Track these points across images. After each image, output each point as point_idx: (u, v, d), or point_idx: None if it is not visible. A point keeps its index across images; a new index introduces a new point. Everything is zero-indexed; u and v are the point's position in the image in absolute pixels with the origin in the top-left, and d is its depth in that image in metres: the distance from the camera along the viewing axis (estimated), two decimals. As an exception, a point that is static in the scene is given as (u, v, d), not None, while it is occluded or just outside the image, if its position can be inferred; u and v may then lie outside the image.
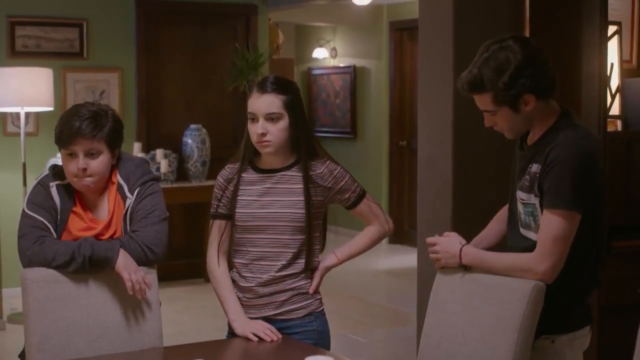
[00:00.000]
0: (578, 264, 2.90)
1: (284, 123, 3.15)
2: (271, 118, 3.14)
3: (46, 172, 3.26)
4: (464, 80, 2.91)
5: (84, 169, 3.12)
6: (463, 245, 3.00)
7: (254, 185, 3.21)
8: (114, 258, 3.07)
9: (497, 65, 2.84)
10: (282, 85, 3.18)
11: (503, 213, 3.21)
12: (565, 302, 2.92)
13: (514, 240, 3.07)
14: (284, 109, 3.15)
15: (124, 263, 3.07)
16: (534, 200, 2.91)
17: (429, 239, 3.09)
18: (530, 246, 2.94)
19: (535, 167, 2.90)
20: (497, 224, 3.23)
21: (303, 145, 3.19)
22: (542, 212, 2.88)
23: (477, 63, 2.88)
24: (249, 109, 3.17)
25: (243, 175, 3.23)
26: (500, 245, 3.15)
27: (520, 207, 2.99)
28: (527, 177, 2.93)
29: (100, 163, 3.14)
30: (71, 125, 3.10)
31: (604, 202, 2.97)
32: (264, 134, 3.13)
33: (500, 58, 2.84)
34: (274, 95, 3.15)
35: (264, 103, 3.14)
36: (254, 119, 3.16)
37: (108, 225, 3.22)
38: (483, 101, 2.91)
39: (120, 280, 3.07)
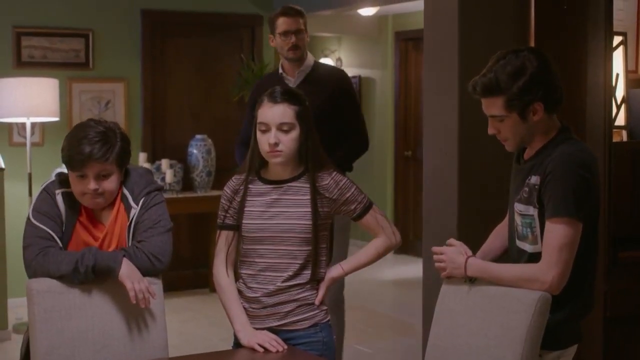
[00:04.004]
0: (575, 282, 2.90)
1: (295, 133, 3.16)
2: (284, 128, 3.14)
3: (52, 178, 3.26)
4: (478, 83, 2.93)
5: (95, 189, 3.13)
6: (468, 257, 3.00)
7: (261, 197, 3.22)
8: (117, 268, 3.07)
9: (514, 71, 2.88)
10: (293, 96, 3.19)
11: (501, 228, 3.22)
12: (560, 319, 2.92)
13: (512, 254, 3.08)
14: (296, 119, 3.16)
15: (128, 272, 3.07)
16: (533, 211, 2.92)
17: (435, 248, 3.10)
18: (527, 259, 2.95)
19: (534, 179, 2.91)
20: (497, 239, 3.23)
21: (311, 156, 3.20)
22: (541, 223, 2.89)
23: (492, 68, 2.91)
24: (260, 119, 3.17)
25: (250, 186, 3.24)
26: (503, 260, 3.15)
27: (518, 219, 3.00)
28: (526, 188, 2.95)
29: (111, 183, 3.16)
30: (81, 150, 3.08)
31: (597, 221, 2.99)
32: (276, 144, 3.13)
33: (517, 64, 2.89)
34: (286, 105, 3.15)
35: (277, 113, 3.14)
36: (266, 129, 3.16)
37: (107, 235, 3.21)
38: (494, 105, 2.92)
39: (125, 290, 3.07)
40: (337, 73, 5.12)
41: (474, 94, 2.96)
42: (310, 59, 4.96)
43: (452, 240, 3.11)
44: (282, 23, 4.89)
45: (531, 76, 2.88)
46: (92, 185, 3.11)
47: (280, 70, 4.97)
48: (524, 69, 2.88)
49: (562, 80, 2.99)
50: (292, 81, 4.86)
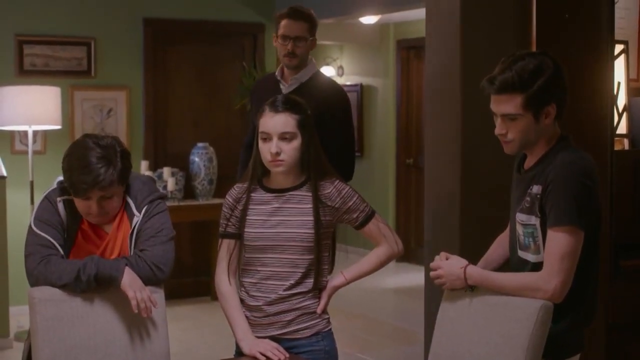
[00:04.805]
0: (578, 290, 2.89)
1: (297, 142, 3.16)
2: (285, 137, 3.14)
3: (54, 186, 3.26)
4: (497, 78, 2.89)
5: (99, 212, 3.13)
6: (466, 266, 3.00)
7: (263, 205, 3.22)
8: (119, 276, 3.07)
9: (535, 69, 2.88)
10: (294, 105, 3.19)
11: (504, 237, 3.22)
12: (563, 328, 2.91)
13: (514, 264, 3.08)
14: (298, 129, 3.16)
15: (129, 281, 3.07)
16: (535, 221, 2.91)
17: (432, 264, 3.09)
18: (530, 269, 2.94)
19: (536, 189, 2.91)
20: (499, 248, 3.23)
21: (313, 164, 3.20)
22: (543, 233, 2.88)
23: (511, 66, 2.89)
24: (262, 129, 3.17)
25: (252, 194, 3.24)
26: (504, 270, 3.14)
27: (519, 229, 2.99)
28: (528, 198, 2.94)
29: (114, 203, 3.16)
30: (84, 179, 3.05)
31: (599, 228, 2.98)
32: (278, 153, 3.13)
33: (536, 64, 2.89)
34: (287, 114, 3.15)
35: (278, 122, 3.15)
36: (267, 139, 3.16)
37: (109, 242, 3.21)
38: (510, 103, 2.89)
39: (127, 298, 3.07)
40: (335, 91, 4.64)
41: (490, 89, 2.92)
42: (311, 67, 4.58)
43: (444, 254, 3.10)
44: (283, 25, 4.54)
45: (550, 77, 2.88)
46: (95, 208, 3.12)
47: (277, 73, 4.63)
48: (543, 69, 2.88)
49: (563, 88, 3.00)
50: (285, 87, 4.53)
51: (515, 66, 2.88)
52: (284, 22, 4.53)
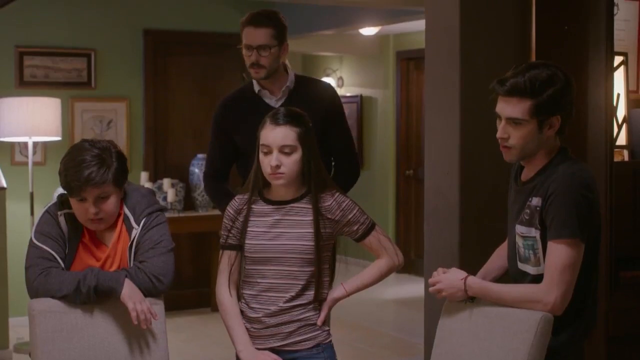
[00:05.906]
0: (577, 302, 2.89)
1: (297, 155, 3.16)
2: (285, 151, 3.14)
3: (54, 200, 3.28)
4: (509, 80, 2.90)
5: (96, 213, 3.13)
6: (466, 278, 3.00)
7: (263, 217, 3.22)
8: (119, 288, 3.07)
9: (547, 79, 2.89)
10: (295, 118, 3.19)
11: (504, 248, 3.22)
12: (563, 341, 2.91)
13: (513, 276, 3.07)
14: (298, 142, 3.16)
15: (129, 293, 3.08)
16: (535, 233, 2.91)
17: (431, 280, 3.09)
18: (529, 281, 2.94)
19: (535, 201, 2.91)
20: (499, 260, 3.23)
21: (314, 177, 3.20)
22: (543, 245, 2.88)
23: (524, 72, 2.90)
24: (262, 141, 3.17)
25: (253, 206, 3.24)
26: (503, 281, 3.14)
27: (519, 241, 2.99)
28: (527, 210, 2.94)
29: (110, 204, 3.17)
30: (78, 176, 3.09)
31: (599, 241, 2.98)
32: (278, 166, 3.14)
33: (549, 74, 2.90)
34: (288, 127, 3.15)
35: (278, 135, 3.15)
36: (268, 152, 3.16)
37: (109, 256, 3.22)
38: (518, 107, 2.89)
39: (126, 310, 3.07)
40: (327, 91, 4.21)
41: (499, 89, 2.92)
42: (290, 73, 4.11)
43: (441, 269, 3.10)
44: (245, 34, 4.09)
45: (560, 89, 2.89)
46: (92, 209, 3.13)
47: (258, 88, 4.14)
48: (555, 80, 2.89)
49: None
50: (273, 100, 4.09)
51: (529, 73, 2.90)
52: (245, 30, 4.10)
